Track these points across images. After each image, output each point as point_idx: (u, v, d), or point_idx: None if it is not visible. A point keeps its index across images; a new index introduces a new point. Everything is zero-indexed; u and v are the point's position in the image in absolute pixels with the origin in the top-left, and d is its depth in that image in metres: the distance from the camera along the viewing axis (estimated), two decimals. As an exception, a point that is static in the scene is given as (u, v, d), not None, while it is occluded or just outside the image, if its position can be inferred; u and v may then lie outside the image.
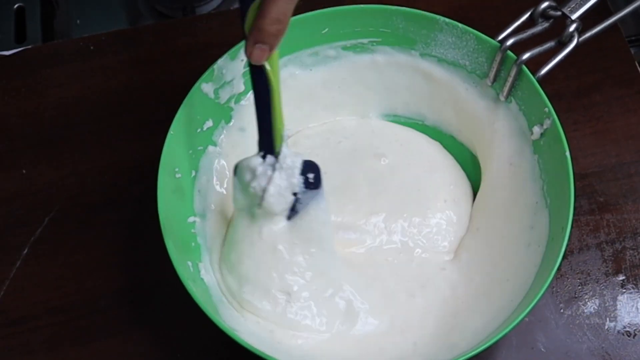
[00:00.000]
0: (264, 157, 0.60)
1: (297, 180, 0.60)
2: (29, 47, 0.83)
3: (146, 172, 0.66)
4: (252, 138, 0.61)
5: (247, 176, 0.60)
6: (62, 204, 0.73)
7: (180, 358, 0.66)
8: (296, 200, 0.61)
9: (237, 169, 0.61)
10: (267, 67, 0.55)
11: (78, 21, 0.95)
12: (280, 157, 0.60)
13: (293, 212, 0.62)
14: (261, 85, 0.57)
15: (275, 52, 0.55)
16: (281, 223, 0.62)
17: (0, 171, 0.75)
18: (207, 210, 0.66)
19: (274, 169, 0.60)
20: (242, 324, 0.60)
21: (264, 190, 0.59)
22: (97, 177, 0.74)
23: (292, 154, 0.60)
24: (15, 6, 0.91)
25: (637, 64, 0.79)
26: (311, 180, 0.60)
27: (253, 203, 0.61)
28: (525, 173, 0.66)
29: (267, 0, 0.51)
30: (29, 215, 0.72)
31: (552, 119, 0.62)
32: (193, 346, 0.66)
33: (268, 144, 0.60)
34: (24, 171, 0.75)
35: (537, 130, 0.64)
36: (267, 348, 0.57)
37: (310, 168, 0.61)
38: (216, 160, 0.68)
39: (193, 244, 0.63)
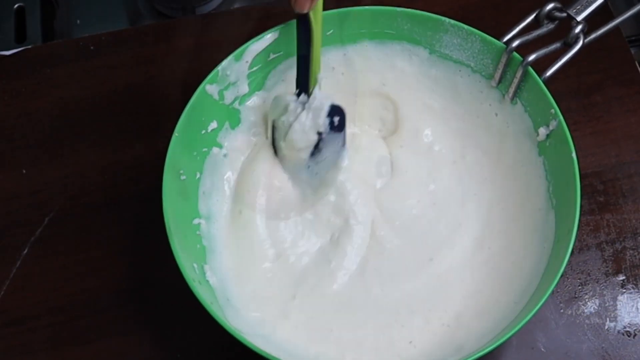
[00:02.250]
0: (298, 95, 0.65)
1: (322, 121, 0.65)
2: (29, 47, 0.83)
3: (146, 172, 0.66)
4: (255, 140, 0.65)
5: (279, 110, 0.66)
6: (62, 204, 0.73)
7: (180, 358, 0.66)
8: (320, 140, 0.65)
9: (273, 101, 0.67)
10: (311, 16, 0.61)
11: (78, 21, 0.95)
12: (311, 97, 0.65)
13: (316, 150, 0.66)
14: (304, 31, 0.62)
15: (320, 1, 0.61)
16: (302, 157, 0.66)
17: (0, 171, 0.75)
18: (213, 212, 0.66)
19: (303, 107, 0.65)
20: (247, 325, 0.61)
21: (290, 125, 0.65)
22: (97, 177, 0.74)
23: (322, 97, 0.65)
24: (15, 6, 0.91)
25: (637, 64, 0.79)
26: (335, 124, 0.65)
27: (280, 136, 0.66)
28: (530, 174, 0.66)
29: None
30: (29, 215, 0.72)
31: (559, 120, 0.63)
32: (193, 346, 0.66)
33: (304, 83, 0.65)
34: (24, 171, 0.75)
35: (542, 131, 0.64)
36: (273, 349, 0.57)
37: (336, 111, 0.65)
38: (221, 163, 0.68)
39: (198, 246, 0.63)
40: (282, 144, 0.66)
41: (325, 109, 0.65)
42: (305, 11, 0.60)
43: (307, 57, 0.64)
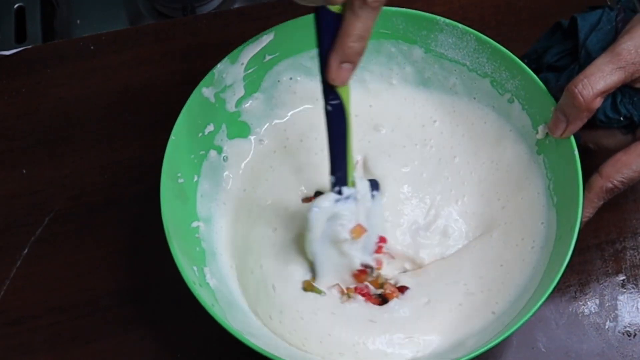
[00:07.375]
0: (339, 192, 0.61)
1: (370, 202, 0.62)
2: (29, 47, 0.83)
3: (146, 172, 0.66)
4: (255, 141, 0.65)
5: (327, 218, 0.61)
6: (62, 204, 0.73)
7: (180, 358, 0.66)
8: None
9: (312, 213, 0.60)
10: (342, 95, 0.55)
11: (78, 21, 0.95)
12: (358, 188, 0.61)
13: None
14: (338, 119, 0.57)
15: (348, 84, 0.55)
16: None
17: (0, 171, 0.75)
18: (211, 215, 0.66)
19: (355, 199, 0.61)
20: (249, 325, 0.61)
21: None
22: (97, 177, 0.74)
23: (360, 181, 0.62)
24: (15, 6, 0.91)
25: (637, 64, 0.79)
26: (375, 197, 0.62)
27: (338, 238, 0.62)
28: (529, 172, 0.66)
29: (349, 19, 0.52)
30: (29, 215, 0.72)
31: None
32: (193, 346, 0.66)
33: (342, 177, 0.61)
34: (24, 171, 0.75)
35: (542, 129, 0.64)
36: (275, 348, 0.57)
37: (374, 186, 0.63)
38: (219, 166, 0.68)
39: (197, 248, 0.63)
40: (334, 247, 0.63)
41: (369, 190, 0.62)
42: (346, 83, 0.54)
43: (343, 147, 0.58)
